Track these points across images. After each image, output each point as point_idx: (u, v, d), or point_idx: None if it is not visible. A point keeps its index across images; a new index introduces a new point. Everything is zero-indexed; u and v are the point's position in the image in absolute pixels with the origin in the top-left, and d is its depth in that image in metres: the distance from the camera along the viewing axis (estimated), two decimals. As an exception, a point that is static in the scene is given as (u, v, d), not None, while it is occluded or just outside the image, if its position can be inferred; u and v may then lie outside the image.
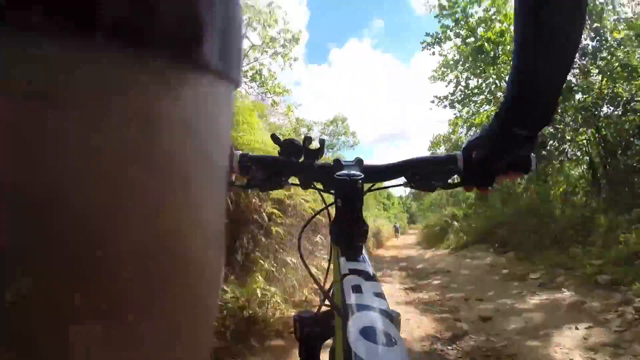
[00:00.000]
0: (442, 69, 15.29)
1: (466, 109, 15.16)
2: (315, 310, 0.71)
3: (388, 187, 0.86)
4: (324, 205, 0.75)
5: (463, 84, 14.48)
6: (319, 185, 0.76)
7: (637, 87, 8.03)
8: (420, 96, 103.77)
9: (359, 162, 0.73)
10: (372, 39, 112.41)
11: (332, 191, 0.71)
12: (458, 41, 13.80)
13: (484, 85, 13.74)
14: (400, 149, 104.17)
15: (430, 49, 14.51)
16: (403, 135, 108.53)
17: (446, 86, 15.14)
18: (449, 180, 0.75)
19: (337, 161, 0.71)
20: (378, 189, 0.80)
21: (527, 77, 0.58)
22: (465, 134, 15.61)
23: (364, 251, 0.62)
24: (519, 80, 0.59)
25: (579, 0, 0.54)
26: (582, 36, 0.60)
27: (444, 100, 15.17)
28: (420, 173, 0.74)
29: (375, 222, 16.59)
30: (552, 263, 5.65)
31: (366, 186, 0.70)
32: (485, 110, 13.92)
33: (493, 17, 12.45)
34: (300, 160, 0.73)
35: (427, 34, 14.35)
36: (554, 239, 6.77)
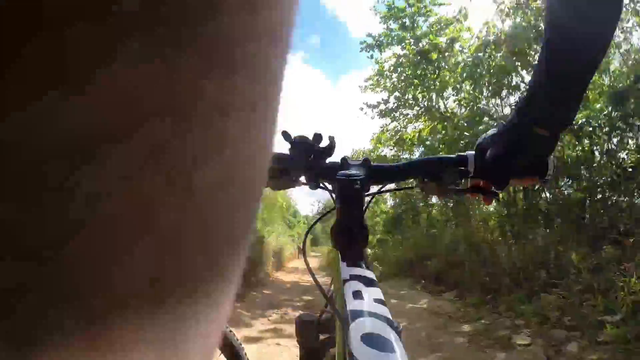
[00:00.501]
0: (377, 77, 13.74)
1: (394, 123, 13.66)
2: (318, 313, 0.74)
3: (396, 189, 0.83)
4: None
5: (397, 94, 12.93)
6: (328, 185, 0.73)
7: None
8: (341, 115, 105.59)
9: (365, 161, 0.70)
10: (304, 53, 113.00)
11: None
12: (398, 49, 12.48)
13: (420, 96, 12.33)
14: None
15: (369, 51, 12.96)
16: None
17: (380, 92, 13.54)
18: (461, 184, 0.69)
19: (344, 160, 0.69)
20: (386, 191, 0.79)
21: (554, 74, 0.56)
22: (392, 153, 14.05)
23: (365, 256, 0.60)
24: (545, 76, 0.56)
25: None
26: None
27: (374, 108, 13.54)
28: (430, 175, 0.69)
29: (277, 239, 14.29)
30: (528, 314, 3.70)
31: (374, 188, 0.72)
32: (414, 128, 12.51)
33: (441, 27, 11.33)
34: (309, 159, 0.68)
35: (369, 35, 12.83)
36: (509, 280, 4.86)
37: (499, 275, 5.04)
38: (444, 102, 11.49)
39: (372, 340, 0.40)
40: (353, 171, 0.63)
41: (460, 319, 4.10)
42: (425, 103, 12.16)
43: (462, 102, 9.76)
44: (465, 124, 8.85)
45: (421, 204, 11.91)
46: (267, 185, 0.63)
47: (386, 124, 13.72)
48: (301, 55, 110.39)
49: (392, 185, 0.81)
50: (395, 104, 12.94)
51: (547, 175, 0.63)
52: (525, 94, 0.59)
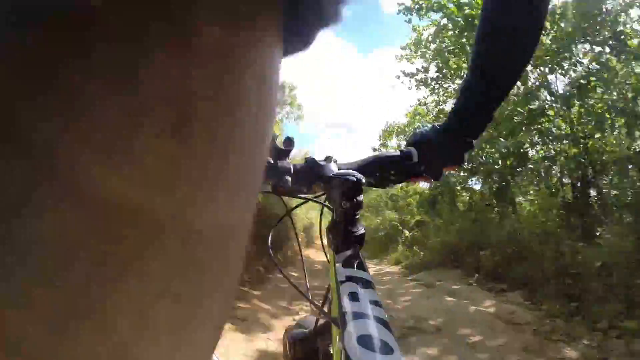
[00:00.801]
0: (414, 46, 12.60)
1: (433, 97, 12.60)
2: (308, 319, 0.78)
3: None
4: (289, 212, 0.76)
5: (438, 63, 11.78)
6: (299, 190, 0.71)
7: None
8: (373, 90, 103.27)
9: (331, 160, 0.70)
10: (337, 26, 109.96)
11: (318, 194, 0.72)
12: (438, 16, 11.27)
13: (465, 65, 11.22)
14: (342, 139, 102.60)
15: (406, 15, 11.78)
16: (350, 127, 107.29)
17: (415, 62, 12.42)
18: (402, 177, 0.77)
19: (313, 160, 0.68)
20: None
21: (477, 97, 0.69)
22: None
23: (361, 257, 0.60)
24: (469, 99, 0.70)
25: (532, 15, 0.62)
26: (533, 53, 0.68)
27: (413, 77, 12.51)
28: (381, 170, 0.75)
29: (307, 214, 13.67)
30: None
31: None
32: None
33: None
34: (271, 162, 0.64)
35: (407, -3, 11.63)
36: (597, 284, 4.00)
37: (584, 276, 4.18)
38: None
39: (368, 343, 0.40)
40: (343, 170, 0.66)
41: (552, 337, 3.27)
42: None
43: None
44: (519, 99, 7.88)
45: (459, 186, 11.23)
46: None
47: (425, 97, 12.77)
48: (334, 29, 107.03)
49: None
50: (437, 74, 11.88)
51: (464, 163, 0.76)
52: (455, 108, 0.73)
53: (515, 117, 8.14)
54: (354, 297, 0.49)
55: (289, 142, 0.67)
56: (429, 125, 0.78)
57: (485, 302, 4.56)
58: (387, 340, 0.41)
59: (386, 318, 0.45)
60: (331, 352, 0.61)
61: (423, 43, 12.04)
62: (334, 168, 0.68)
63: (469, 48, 10.31)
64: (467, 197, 10.66)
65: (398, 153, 0.76)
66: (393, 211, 15.67)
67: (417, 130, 0.79)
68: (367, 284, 0.53)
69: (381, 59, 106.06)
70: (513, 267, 5.46)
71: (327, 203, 0.69)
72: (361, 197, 0.61)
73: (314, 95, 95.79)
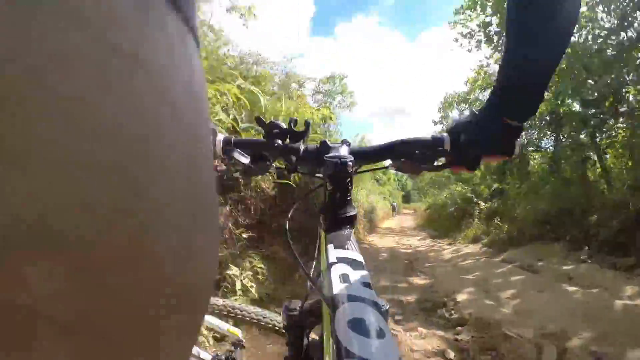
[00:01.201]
0: (471, 5, 11.11)
1: (497, 55, 11.05)
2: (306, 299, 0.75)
3: (374, 169, 0.82)
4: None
5: (498, 16, 10.22)
6: (304, 169, 0.74)
7: None
8: (423, 73, 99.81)
9: (345, 143, 0.71)
10: (379, 16, 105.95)
11: (319, 175, 0.73)
12: None
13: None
14: (398, 123, 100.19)
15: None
16: (403, 111, 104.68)
17: (481, 13, 10.91)
18: (435, 163, 0.73)
19: (324, 143, 0.70)
20: (364, 171, 0.81)
21: (518, 70, 0.61)
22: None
23: (352, 238, 0.60)
24: (510, 72, 0.62)
25: None
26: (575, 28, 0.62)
27: (472, 37, 11.15)
28: (407, 155, 0.72)
29: (368, 197, 12.68)
30: None
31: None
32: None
33: None
34: (285, 143, 0.70)
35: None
36: None
37: None
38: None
39: (358, 326, 0.39)
40: (338, 153, 0.64)
41: None
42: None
43: (597, 33, 6.98)
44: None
45: (530, 149, 9.85)
46: (241, 173, 0.95)
47: (487, 57, 11.39)
48: (376, 18, 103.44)
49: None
50: (499, 28, 10.34)
51: (514, 154, 0.69)
52: (495, 87, 0.65)
53: (608, 50, 6.65)
54: (345, 278, 0.48)
55: (306, 125, 0.70)
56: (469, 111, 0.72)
57: (626, 289, 3.31)
58: (379, 324, 0.40)
59: (377, 300, 0.45)
60: (322, 332, 0.60)
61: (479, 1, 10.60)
62: (343, 151, 0.67)
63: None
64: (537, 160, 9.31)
65: (428, 138, 0.72)
66: (458, 183, 14.21)
67: (456, 116, 0.92)
68: (359, 265, 0.52)
69: (428, 41, 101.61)
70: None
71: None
72: (350, 179, 0.62)
73: (368, 84, 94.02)
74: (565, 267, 4.32)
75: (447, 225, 12.32)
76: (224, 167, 0.69)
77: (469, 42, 11.28)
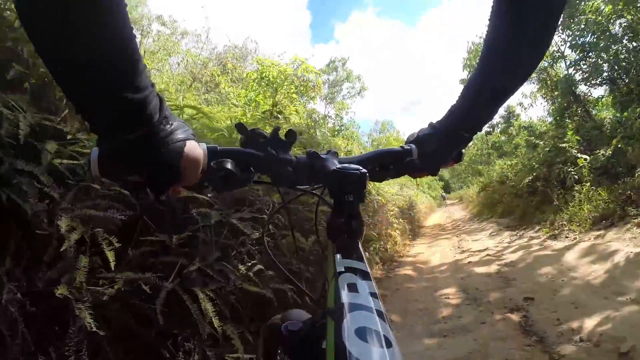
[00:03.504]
0: None
1: None
2: (294, 313, 0.80)
3: None
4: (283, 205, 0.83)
5: None
6: (296, 180, 0.72)
7: None
8: (430, 58, 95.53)
9: (333, 154, 0.72)
10: (374, 7, 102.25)
11: (311, 185, 0.76)
12: None
13: None
14: (415, 114, 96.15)
15: None
16: (419, 102, 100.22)
17: None
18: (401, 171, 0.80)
19: (314, 153, 0.69)
20: None
21: (482, 96, 0.78)
22: None
23: (360, 248, 0.60)
24: (478, 93, 0.78)
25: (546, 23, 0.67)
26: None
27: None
28: (381, 164, 0.78)
29: (401, 190, 9.09)
30: None
31: None
32: None
33: None
34: (273, 153, 0.67)
35: None
36: None
37: None
38: None
39: (366, 335, 0.39)
40: (346, 164, 0.65)
41: None
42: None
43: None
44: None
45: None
46: (213, 187, 0.65)
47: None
48: (372, 10, 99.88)
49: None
50: None
51: (462, 160, 0.88)
52: (457, 103, 0.81)
53: None
54: (352, 288, 0.48)
55: (291, 134, 0.68)
56: (428, 124, 0.85)
57: None
58: (386, 334, 0.40)
59: (384, 310, 0.44)
60: (323, 346, 0.59)
61: None
62: (335, 161, 0.69)
63: None
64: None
65: (399, 149, 0.79)
66: (503, 158, 10.48)
67: (419, 129, 0.86)
68: (366, 275, 0.52)
69: (429, 24, 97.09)
70: None
71: (326, 196, 0.73)
72: (365, 191, 0.63)
73: (380, 83, 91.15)
74: None
75: (519, 206, 8.60)
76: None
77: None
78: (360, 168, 0.61)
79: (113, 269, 1.52)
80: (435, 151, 0.81)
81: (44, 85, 1.82)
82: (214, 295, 1.79)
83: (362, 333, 0.39)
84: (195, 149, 0.56)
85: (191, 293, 1.73)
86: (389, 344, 0.38)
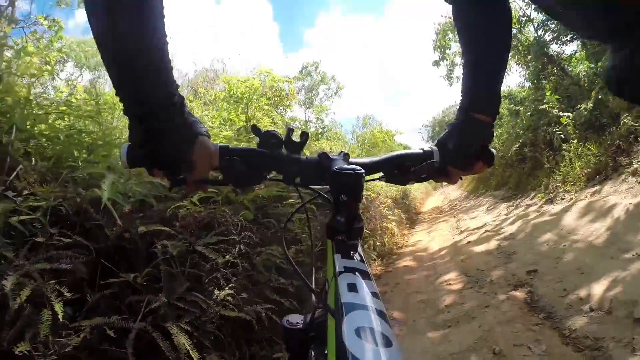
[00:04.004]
0: None
1: None
2: (305, 310, 0.82)
3: (367, 181, 0.74)
4: (301, 201, 0.79)
5: None
6: (304, 180, 0.74)
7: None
8: (405, 43, 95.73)
9: (345, 155, 0.72)
10: (339, 6, 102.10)
11: (313, 186, 0.75)
12: None
13: None
14: (400, 105, 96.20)
15: None
16: (401, 90, 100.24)
17: None
18: (423, 175, 0.77)
19: (324, 154, 0.71)
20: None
21: (480, 73, 0.80)
22: None
23: (359, 248, 0.61)
24: (475, 75, 0.80)
25: None
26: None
27: None
28: (400, 167, 0.77)
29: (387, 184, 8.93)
30: None
31: None
32: None
33: None
34: (284, 153, 0.71)
35: None
36: None
37: None
38: None
39: (367, 334, 0.39)
40: (344, 164, 0.64)
41: None
42: None
43: None
44: None
45: None
46: (227, 183, 0.69)
47: None
48: (337, 9, 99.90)
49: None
50: None
51: (493, 163, 0.80)
52: (462, 87, 0.81)
53: None
54: (352, 288, 0.49)
55: (304, 136, 0.72)
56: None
57: None
58: (386, 334, 0.40)
59: (385, 310, 0.45)
60: (326, 343, 0.56)
61: None
62: (343, 163, 0.68)
63: None
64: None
65: (419, 151, 0.78)
66: (514, 117, 10.28)
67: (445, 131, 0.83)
68: (366, 275, 0.52)
69: (394, 12, 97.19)
70: None
71: (329, 196, 0.70)
72: (362, 191, 0.62)
73: (363, 81, 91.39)
74: None
75: (511, 176, 8.50)
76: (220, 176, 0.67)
77: None
78: (358, 168, 0.61)
79: (62, 320, 1.40)
80: (458, 148, 0.78)
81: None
82: (191, 328, 1.66)
83: (362, 333, 0.39)
84: (206, 144, 0.62)
85: (163, 329, 1.60)
86: (389, 344, 0.38)
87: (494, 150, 0.80)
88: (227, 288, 1.92)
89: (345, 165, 0.63)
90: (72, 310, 1.50)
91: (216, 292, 1.87)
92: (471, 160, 0.80)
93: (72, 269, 1.55)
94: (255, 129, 0.71)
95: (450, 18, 15.38)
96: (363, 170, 0.61)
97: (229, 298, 1.87)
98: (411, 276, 3.96)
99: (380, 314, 0.43)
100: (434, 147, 0.79)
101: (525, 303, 2.64)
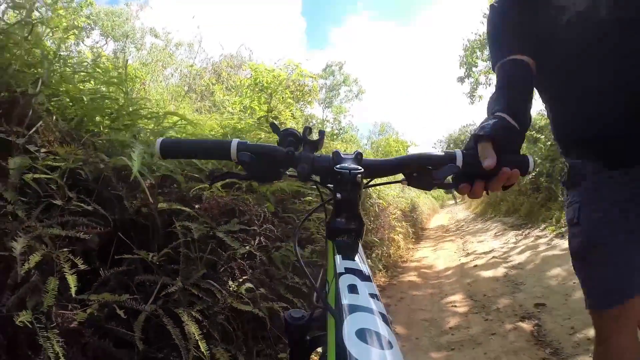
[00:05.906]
0: None
1: None
2: (307, 308, 0.81)
3: (385, 183, 0.82)
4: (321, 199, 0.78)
5: None
6: (317, 178, 0.73)
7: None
8: (430, 55, 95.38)
9: (358, 155, 0.69)
10: (369, 11, 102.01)
11: (329, 185, 0.72)
12: None
13: None
14: (418, 117, 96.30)
15: None
16: (420, 102, 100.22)
17: None
18: (446, 180, 0.71)
19: (337, 153, 0.69)
20: (375, 185, 0.80)
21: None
22: None
23: (360, 249, 0.60)
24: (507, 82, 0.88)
25: None
26: None
27: None
28: (420, 170, 0.72)
29: (403, 192, 8.85)
30: None
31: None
32: None
33: None
34: (299, 151, 0.71)
35: None
36: None
37: None
38: None
39: (367, 336, 0.39)
40: (350, 164, 0.64)
41: None
42: None
43: None
44: None
45: None
46: (248, 179, 0.72)
47: None
48: (367, 14, 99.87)
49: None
50: None
51: (529, 171, 0.68)
52: (492, 95, 0.83)
53: None
54: (353, 289, 0.48)
55: (321, 134, 0.73)
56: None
57: None
58: (387, 335, 0.40)
59: (385, 312, 0.44)
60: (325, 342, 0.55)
61: None
62: (351, 162, 0.66)
63: None
64: None
65: (441, 153, 0.71)
66: (532, 145, 10.16)
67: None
68: (366, 277, 0.52)
69: (422, 23, 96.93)
70: None
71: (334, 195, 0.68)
72: (359, 190, 0.62)
73: (380, 82, 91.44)
74: None
75: (523, 204, 8.41)
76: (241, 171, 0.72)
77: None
78: (356, 167, 0.61)
79: (74, 294, 1.31)
80: (480, 169, 0.68)
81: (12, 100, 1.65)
82: (201, 317, 1.61)
83: (362, 334, 0.39)
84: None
85: (173, 315, 1.55)
86: (389, 345, 0.38)
87: (530, 157, 0.68)
88: (241, 280, 1.86)
89: (345, 164, 0.63)
90: (79, 282, 1.43)
91: (230, 282, 1.82)
92: (498, 171, 0.67)
93: (87, 239, 1.49)
94: (273, 127, 0.74)
95: (480, 36, 15.39)
96: (360, 169, 0.61)
97: (243, 291, 1.82)
98: (416, 292, 3.91)
99: (381, 315, 0.43)
100: (457, 150, 0.71)
101: (532, 336, 2.58)
